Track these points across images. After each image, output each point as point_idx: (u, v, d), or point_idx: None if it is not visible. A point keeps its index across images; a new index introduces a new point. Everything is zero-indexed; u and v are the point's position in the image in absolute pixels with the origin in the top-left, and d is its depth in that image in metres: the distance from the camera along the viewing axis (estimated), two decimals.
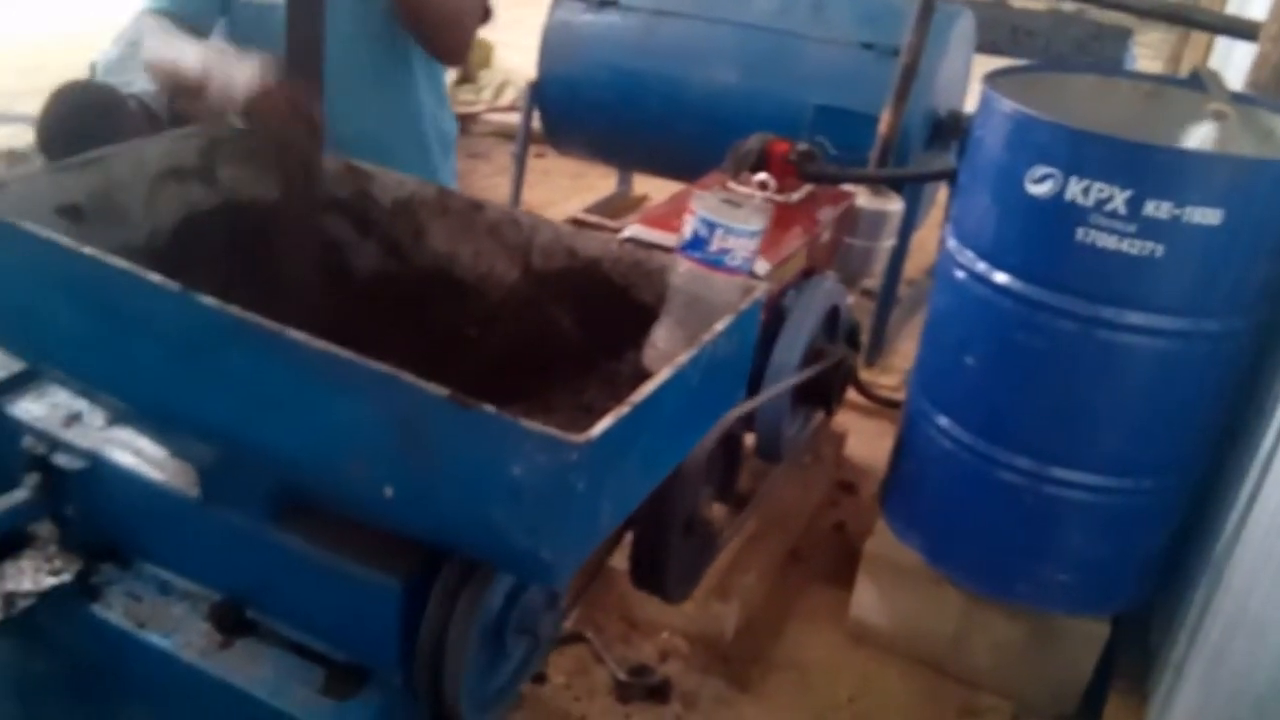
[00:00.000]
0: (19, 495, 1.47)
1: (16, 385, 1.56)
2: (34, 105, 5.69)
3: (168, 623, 1.38)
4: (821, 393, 2.31)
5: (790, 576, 2.63)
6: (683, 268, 1.20)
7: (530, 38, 3.92)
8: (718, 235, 1.16)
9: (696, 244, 1.18)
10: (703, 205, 1.17)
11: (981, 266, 2.06)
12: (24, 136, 5.23)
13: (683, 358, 1.08)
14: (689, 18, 3.62)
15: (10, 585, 1.39)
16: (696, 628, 2.34)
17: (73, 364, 1.29)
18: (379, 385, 1.00)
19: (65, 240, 1.15)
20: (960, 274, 2.11)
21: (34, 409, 1.52)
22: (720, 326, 1.16)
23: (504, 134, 5.64)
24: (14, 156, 4.95)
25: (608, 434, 0.95)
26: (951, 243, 2.16)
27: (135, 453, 1.44)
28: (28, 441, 1.50)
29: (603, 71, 3.72)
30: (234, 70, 1.42)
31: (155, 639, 1.35)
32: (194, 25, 1.70)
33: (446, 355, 1.44)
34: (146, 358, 1.18)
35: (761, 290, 1.25)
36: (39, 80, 2.96)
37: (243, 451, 1.21)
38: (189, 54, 1.50)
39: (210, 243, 1.51)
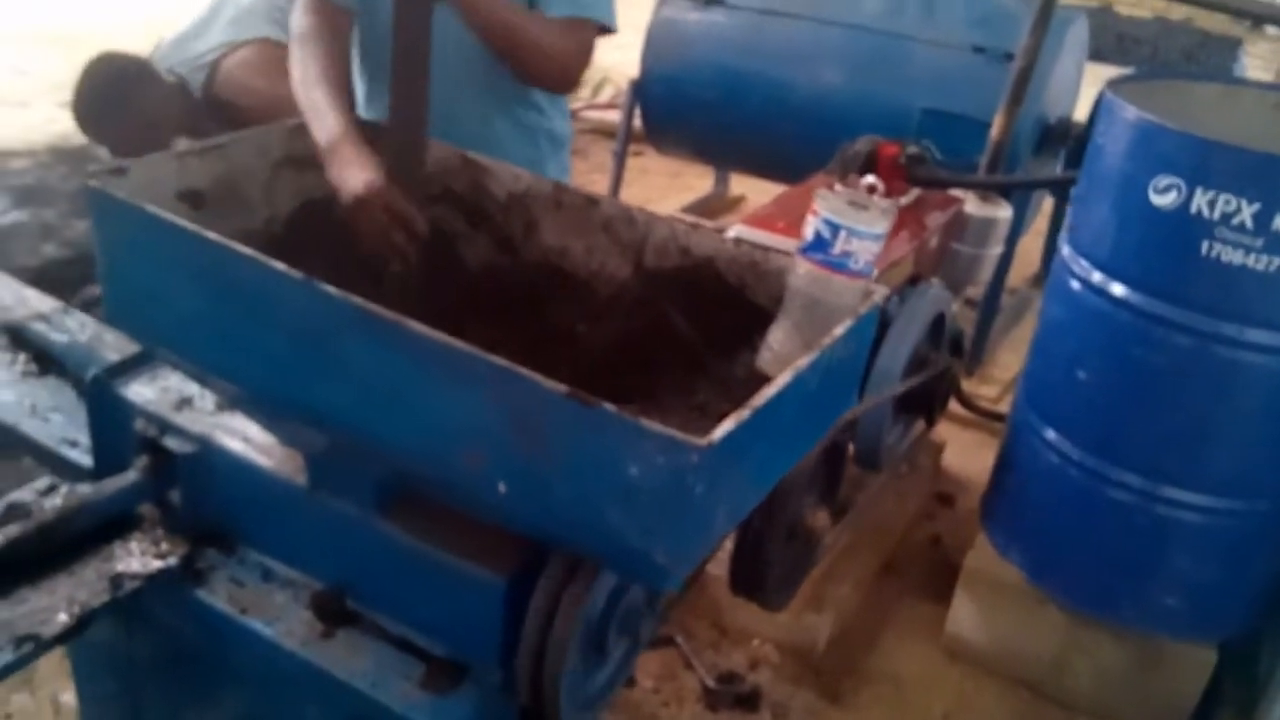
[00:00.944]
0: (129, 477, 1.49)
1: (129, 368, 1.59)
2: None
3: (270, 610, 1.38)
4: (924, 402, 2.25)
5: (884, 588, 2.57)
6: (802, 269, 1.17)
7: (629, 35, 3.90)
8: (841, 237, 1.12)
9: (818, 245, 1.14)
10: (827, 206, 1.13)
11: (1098, 277, 1.98)
12: None
13: (802, 362, 1.05)
14: (797, 18, 3.58)
15: (119, 567, 1.41)
16: (788, 637, 2.30)
17: (189, 348, 1.30)
18: (498, 380, 0.99)
19: (190, 225, 1.16)
20: (1075, 284, 2.04)
21: (146, 392, 1.54)
22: (839, 331, 1.12)
23: (601, 131, 5.64)
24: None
25: (728, 438, 0.92)
26: (1067, 251, 2.08)
27: (244, 439, 1.45)
28: (139, 424, 1.53)
29: (707, 70, 3.69)
30: (347, 171, 1.43)
31: (257, 626, 1.36)
32: (343, 9, 1.71)
33: (554, 350, 1.42)
34: (265, 344, 1.18)
35: (881, 294, 1.21)
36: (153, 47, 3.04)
37: (355, 440, 1.20)
38: (322, 128, 1.49)
39: (324, 230, 1.52)
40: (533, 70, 1.76)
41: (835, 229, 1.12)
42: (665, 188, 5.09)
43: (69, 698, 2.05)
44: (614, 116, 4.92)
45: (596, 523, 0.99)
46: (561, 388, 0.95)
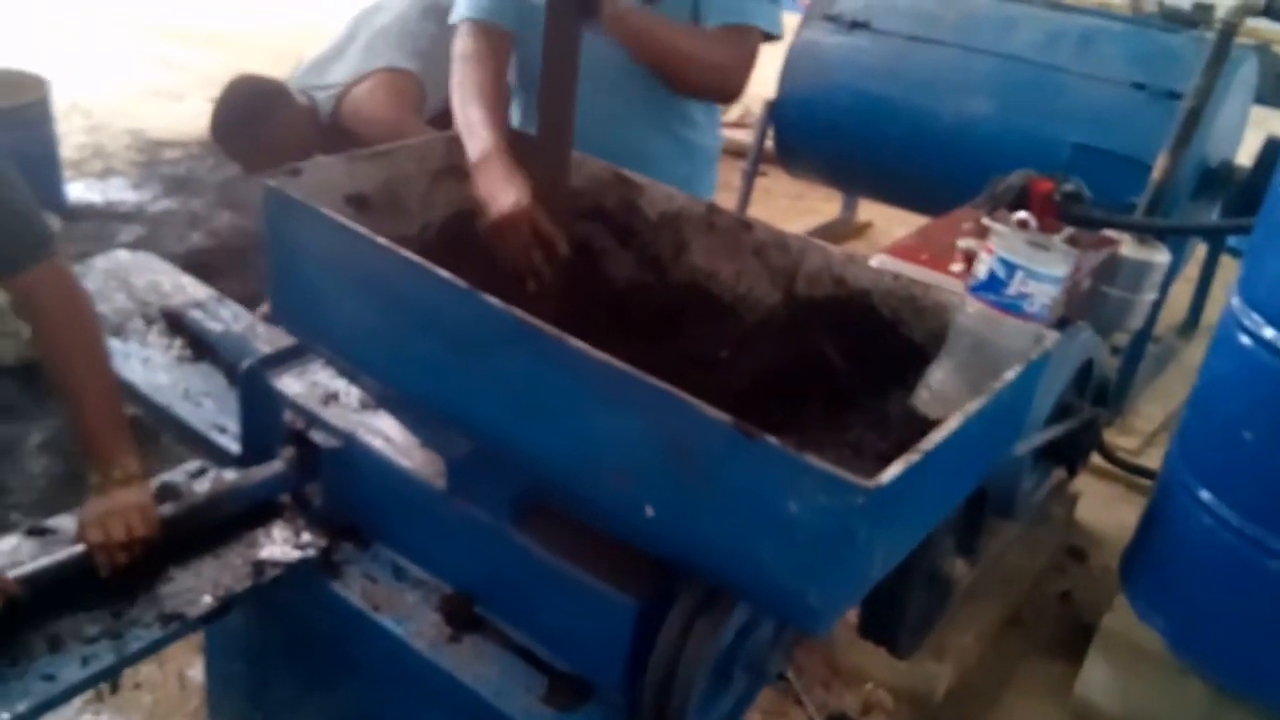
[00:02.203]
0: (275, 467, 1.53)
1: (281, 361, 1.63)
2: None
3: (401, 609, 1.40)
4: (1065, 451, 2.16)
5: (1009, 642, 2.47)
6: (972, 308, 1.13)
7: (764, 54, 3.88)
8: (1018, 278, 1.08)
9: (992, 285, 1.10)
10: (1004, 245, 1.09)
11: (1270, 333, 1.87)
12: None
13: (971, 406, 1.01)
14: (945, 45, 3.50)
15: (261, 554, 1.44)
16: (905, 684, 2.23)
17: (347, 345, 1.32)
18: (657, 403, 0.97)
19: (361, 229, 1.18)
20: (1245, 339, 1.93)
21: (295, 385, 1.58)
22: (1009, 376, 1.07)
23: (728, 149, 5.62)
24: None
25: (896, 481, 0.89)
26: (1237, 304, 1.97)
27: (386, 438, 1.47)
28: (288, 416, 1.56)
29: (846, 94, 3.64)
30: (497, 190, 1.44)
31: (388, 624, 1.37)
32: (503, 31, 1.74)
33: (696, 375, 1.41)
34: (422, 348, 1.20)
35: (1052, 340, 1.16)
36: (291, 67, 3.15)
37: (500, 450, 1.21)
38: (474, 146, 1.51)
39: (473, 240, 1.53)
40: (693, 83, 1.75)
41: (1011, 269, 1.08)
42: (788, 210, 5.04)
43: (194, 673, 2.11)
44: (742, 135, 4.89)
45: (748, 557, 0.97)
46: (724, 416, 0.94)
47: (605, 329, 1.35)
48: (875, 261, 2.09)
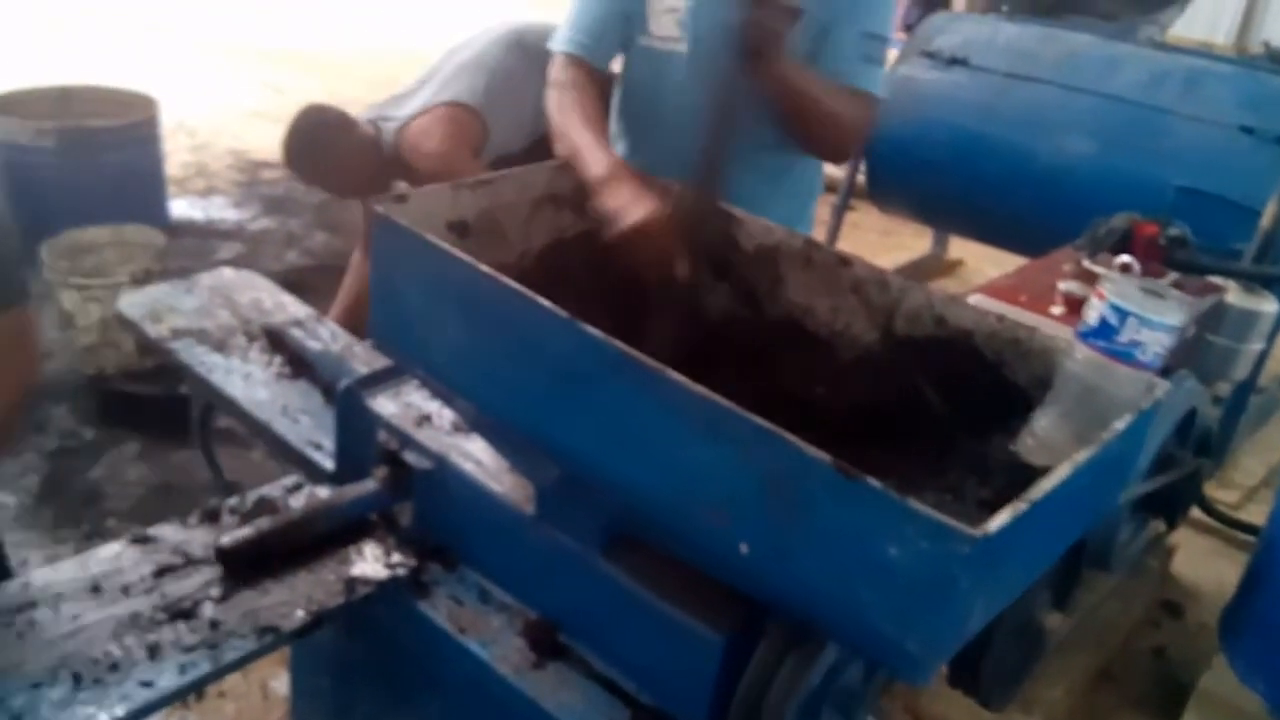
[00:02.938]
0: (368, 486, 1.55)
1: (376, 382, 1.66)
2: None
3: (486, 632, 1.41)
4: (1164, 503, 2.09)
5: (1100, 697, 2.39)
6: (1081, 354, 1.10)
7: None
8: (1130, 325, 1.05)
9: (1104, 332, 1.07)
10: (1116, 291, 1.06)
11: None
12: None
13: (1080, 456, 0.98)
14: (1045, 83, 3.44)
15: (353, 571, 1.47)
16: None
17: (442, 368, 1.34)
18: (756, 440, 0.97)
19: (465, 256, 1.20)
20: None
21: (389, 406, 1.61)
22: (1120, 425, 1.04)
23: None
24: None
25: (1003, 530, 0.87)
26: None
27: (477, 462, 1.49)
28: (382, 436, 1.59)
29: (942, 131, 3.60)
30: (631, 199, 1.47)
31: (474, 646, 1.38)
32: (596, 67, 1.77)
33: (789, 411, 1.40)
34: (519, 375, 1.21)
35: (1163, 389, 1.12)
36: (389, 92, 3.24)
37: (593, 480, 1.21)
38: (598, 162, 1.55)
39: (570, 269, 1.55)
40: (825, 144, 1.78)
41: (1124, 316, 1.05)
42: (877, 245, 5.00)
43: (278, 685, 2.15)
44: (832, 169, 4.88)
45: (845, 600, 0.96)
46: (825, 457, 0.93)
47: (698, 362, 1.36)
48: (972, 301, 2.06)
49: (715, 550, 1.08)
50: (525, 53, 2.95)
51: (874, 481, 0.90)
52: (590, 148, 1.56)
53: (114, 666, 1.25)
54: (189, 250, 4.27)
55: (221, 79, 6.45)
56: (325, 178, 3.04)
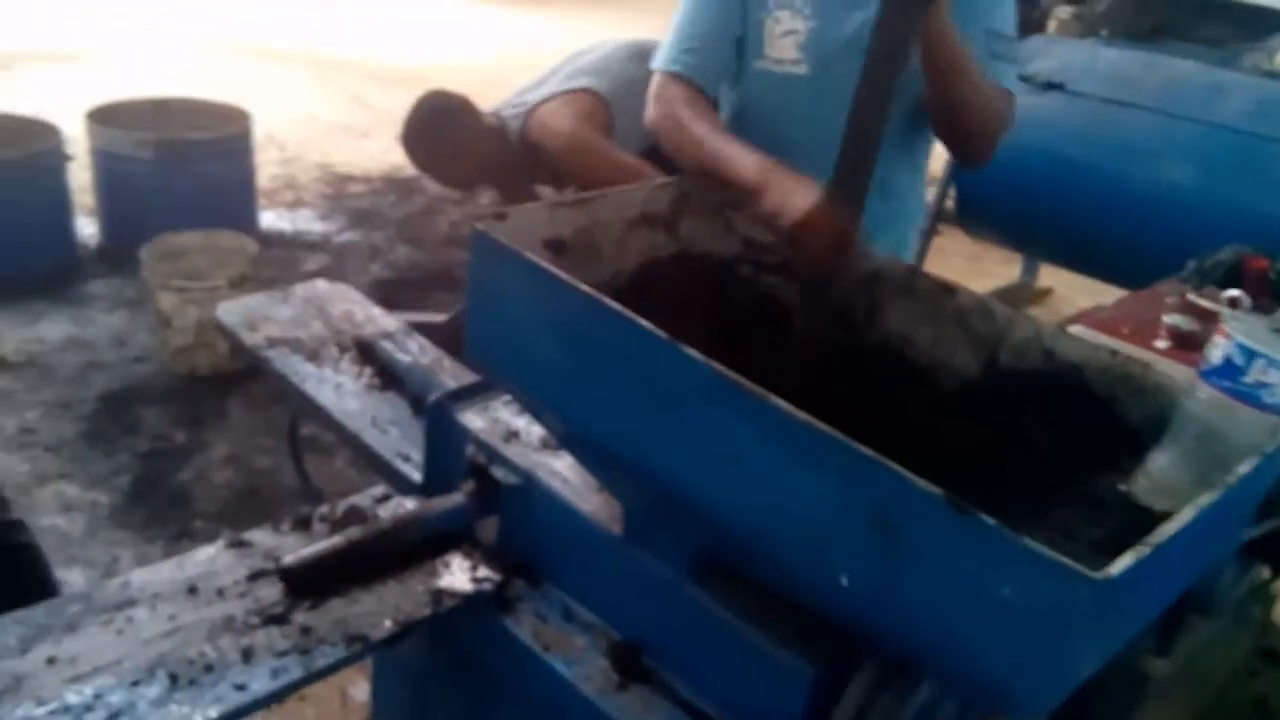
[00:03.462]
0: (456, 499, 1.56)
1: (466, 396, 1.67)
2: None
3: (570, 651, 1.40)
4: (1270, 548, 2.00)
5: None
6: (1203, 394, 1.06)
7: None
8: (1258, 366, 1.01)
9: (1228, 372, 1.03)
10: (1242, 330, 1.02)
11: None
12: None
13: (1204, 499, 0.94)
14: (1145, 110, 3.37)
15: (440, 583, 1.47)
16: None
17: (536, 384, 1.34)
18: (863, 471, 0.95)
19: (564, 275, 1.20)
20: None
21: (478, 421, 1.62)
22: (1243, 469, 1.00)
23: None
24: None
25: (1124, 574, 0.84)
26: None
27: (565, 479, 1.49)
28: (470, 450, 1.60)
29: (1036, 156, 3.53)
30: (792, 190, 1.46)
31: (558, 665, 1.37)
32: (704, 89, 1.76)
33: (883, 440, 1.37)
34: (613, 394, 1.20)
35: None
36: (498, 98, 3.28)
37: (685, 503, 1.20)
38: (748, 162, 1.55)
39: (660, 290, 1.54)
40: (973, 132, 1.69)
41: (1251, 356, 1.01)
42: (963, 270, 4.92)
43: (357, 692, 2.17)
44: None
45: (951, 639, 0.93)
46: (936, 490, 0.90)
47: (789, 386, 1.34)
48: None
49: (812, 581, 1.06)
50: (644, 65, 2.97)
51: (989, 518, 0.87)
52: (735, 151, 1.56)
53: (209, 668, 1.27)
54: (276, 261, 4.37)
55: (312, 94, 6.60)
56: (444, 164, 2.98)
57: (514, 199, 3.12)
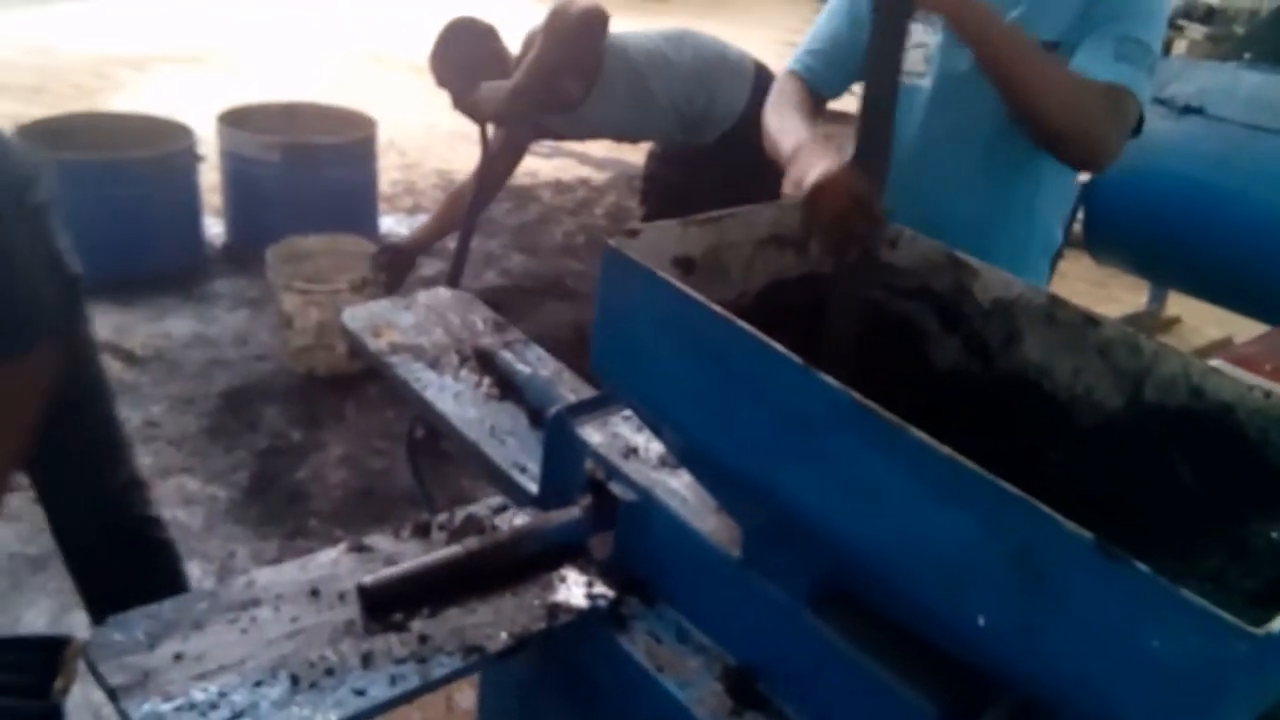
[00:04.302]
0: (573, 513, 1.56)
1: (585, 410, 1.67)
2: (582, 144, 6.32)
3: (684, 673, 1.39)
4: None
5: None
6: None
7: None
8: None
9: None
10: None
11: None
12: (572, 170, 5.91)
13: None
14: None
15: (556, 597, 1.47)
16: None
17: (660, 402, 1.34)
18: (1007, 509, 0.91)
19: (696, 295, 1.19)
20: None
21: (596, 436, 1.62)
22: None
23: None
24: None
25: None
26: None
27: (683, 499, 1.48)
28: (588, 465, 1.60)
29: (1172, 182, 3.40)
30: (814, 159, 1.45)
31: (671, 686, 1.36)
32: (820, 91, 1.77)
33: (1015, 474, 1.33)
34: (740, 415, 1.19)
35: None
36: None
37: (809, 530, 1.17)
38: (790, 138, 1.56)
39: (787, 312, 1.52)
40: (1053, 122, 1.60)
41: None
42: (1087, 296, 4.77)
43: (462, 699, 2.19)
44: None
45: (1091, 686, 0.89)
46: (1086, 534, 0.86)
47: (918, 415, 1.30)
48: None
49: (944, 618, 1.03)
50: (675, 45, 3.09)
51: (1141, 565, 0.83)
52: (789, 127, 1.58)
53: (329, 671, 1.29)
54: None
55: (431, 102, 6.74)
56: (454, 77, 3.18)
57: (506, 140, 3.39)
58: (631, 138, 3.42)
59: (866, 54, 1.37)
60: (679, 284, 1.22)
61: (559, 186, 5.69)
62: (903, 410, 1.03)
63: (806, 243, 1.52)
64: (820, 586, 1.26)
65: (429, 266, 4.57)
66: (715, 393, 1.23)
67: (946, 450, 0.96)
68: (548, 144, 6.14)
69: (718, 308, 1.17)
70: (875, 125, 1.39)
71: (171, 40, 7.27)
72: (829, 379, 1.06)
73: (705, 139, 3.15)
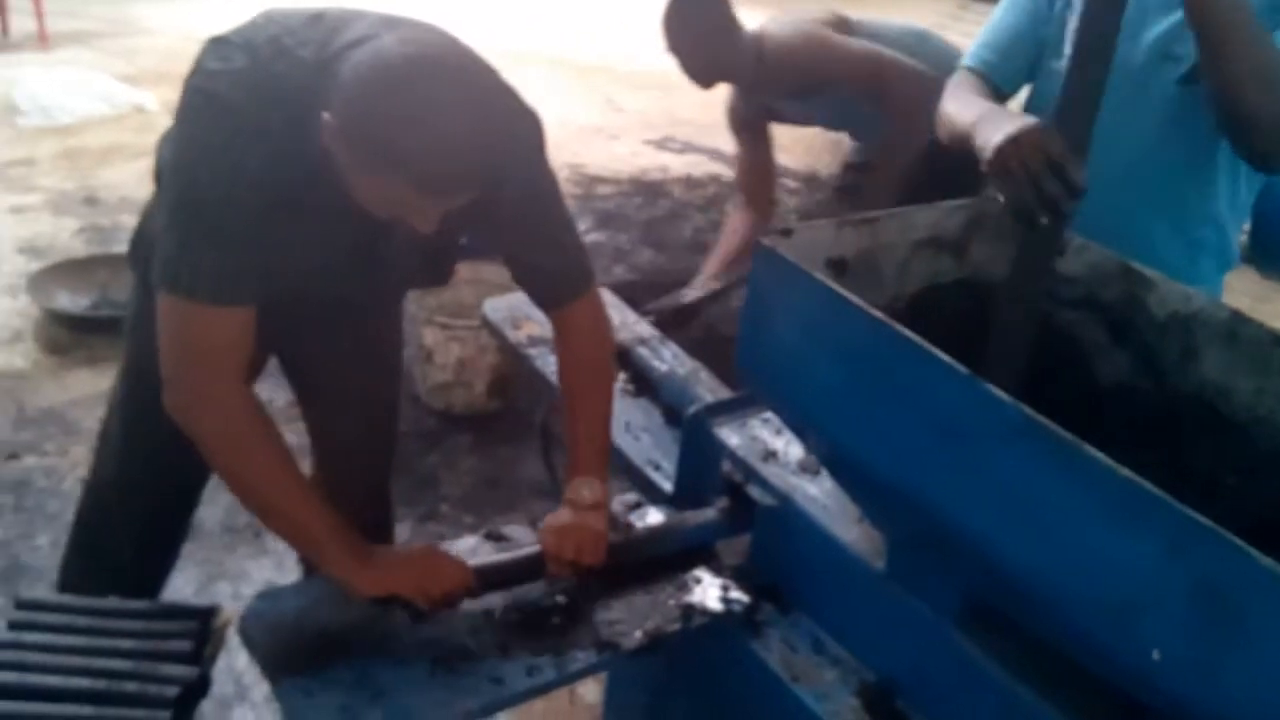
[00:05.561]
0: (709, 514, 1.54)
1: (723, 411, 1.65)
2: (715, 140, 6.31)
3: (819, 684, 1.35)
4: None
5: None
6: None
7: None
8: None
9: None
10: None
11: None
12: (704, 166, 5.89)
13: None
14: None
15: (690, 599, 1.46)
16: None
17: (807, 405, 1.30)
18: (1193, 538, 0.86)
19: (856, 299, 1.16)
20: None
21: (734, 438, 1.59)
22: None
23: None
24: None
25: None
26: None
27: (824, 506, 1.44)
28: (725, 466, 1.58)
29: None
30: (1004, 121, 1.39)
31: (806, 698, 1.33)
32: (998, 87, 1.71)
33: (1189, 499, 1.25)
34: (894, 423, 1.15)
35: None
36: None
37: (962, 545, 1.13)
38: (969, 110, 1.51)
39: (940, 318, 1.47)
40: (1253, 113, 1.46)
41: None
42: (1249, 312, 4.50)
43: (584, 691, 2.19)
44: None
45: None
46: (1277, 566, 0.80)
47: (1079, 430, 1.24)
48: None
49: (1112, 649, 0.97)
50: (921, 40, 2.95)
51: None
52: (969, 102, 1.53)
53: (468, 657, 1.30)
54: None
55: (566, 96, 6.81)
56: (685, 47, 2.99)
57: (744, 113, 3.17)
58: (852, 132, 3.28)
59: (1079, 15, 1.30)
60: (836, 286, 1.18)
61: (690, 182, 5.66)
62: (1061, 423, 0.98)
63: (966, 246, 1.47)
64: (969, 603, 1.22)
65: None
66: (868, 399, 1.19)
67: (1127, 472, 0.91)
68: (679, 139, 6.17)
69: (877, 312, 1.13)
70: (1080, 91, 1.30)
71: None
72: (997, 391, 1.01)
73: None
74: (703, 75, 3.03)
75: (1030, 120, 1.35)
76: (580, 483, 1.49)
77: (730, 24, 2.97)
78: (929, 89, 2.05)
